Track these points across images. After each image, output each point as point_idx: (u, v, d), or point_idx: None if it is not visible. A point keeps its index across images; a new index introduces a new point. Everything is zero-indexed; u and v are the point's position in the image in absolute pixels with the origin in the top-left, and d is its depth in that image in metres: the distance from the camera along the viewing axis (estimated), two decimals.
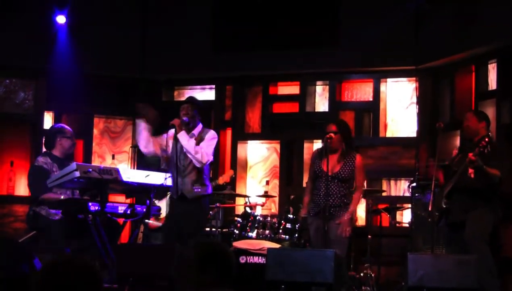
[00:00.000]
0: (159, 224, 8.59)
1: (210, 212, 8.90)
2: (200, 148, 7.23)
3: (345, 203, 7.29)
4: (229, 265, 3.81)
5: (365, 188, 9.21)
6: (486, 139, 6.96)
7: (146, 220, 8.35)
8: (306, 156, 10.22)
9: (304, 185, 9.65)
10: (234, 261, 3.87)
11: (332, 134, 7.30)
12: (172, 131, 7.44)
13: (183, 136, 7.25)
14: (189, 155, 7.22)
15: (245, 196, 9.77)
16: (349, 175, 7.33)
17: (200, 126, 7.45)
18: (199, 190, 7.28)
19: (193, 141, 7.24)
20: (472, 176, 7.14)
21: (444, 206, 7.28)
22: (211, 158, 7.33)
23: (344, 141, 7.38)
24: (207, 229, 8.94)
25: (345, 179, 7.33)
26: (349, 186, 7.42)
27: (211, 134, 7.43)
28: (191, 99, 7.65)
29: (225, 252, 3.84)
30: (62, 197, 7.77)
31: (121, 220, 8.28)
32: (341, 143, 7.37)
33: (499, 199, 7.26)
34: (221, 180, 9.12)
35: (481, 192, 7.12)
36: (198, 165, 7.24)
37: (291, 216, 8.65)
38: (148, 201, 7.93)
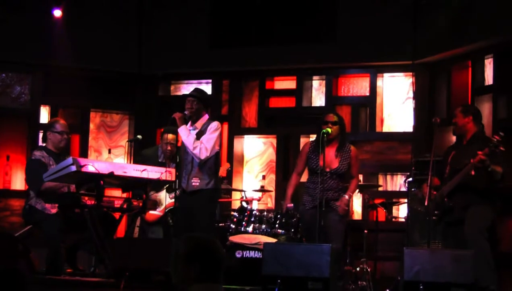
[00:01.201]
0: (157, 212, 8.54)
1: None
2: (199, 142, 7.16)
3: (341, 195, 7.42)
4: (215, 260, 3.79)
5: (361, 182, 9.24)
6: (496, 137, 6.92)
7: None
8: None
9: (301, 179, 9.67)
10: (222, 256, 3.83)
11: (330, 125, 7.39)
12: None
13: (183, 131, 7.20)
14: (187, 150, 7.18)
15: (240, 191, 9.76)
16: (347, 169, 7.46)
17: (205, 118, 7.37)
18: (197, 183, 7.23)
19: (192, 136, 7.17)
20: (473, 173, 7.11)
21: (445, 205, 7.26)
22: (209, 153, 7.22)
23: (340, 133, 7.49)
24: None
25: (344, 173, 7.45)
26: (345, 178, 7.54)
27: (213, 126, 7.30)
28: (196, 93, 7.51)
29: (210, 246, 3.81)
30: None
31: (117, 214, 8.28)
32: (338, 136, 7.47)
33: (497, 194, 7.26)
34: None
35: (481, 188, 7.11)
36: (197, 160, 7.19)
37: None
38: (144, 195, 7.94)
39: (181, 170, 7.41)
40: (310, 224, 7.37)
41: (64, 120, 8.42)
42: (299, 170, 7.77)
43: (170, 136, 8.45)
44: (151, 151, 8.92)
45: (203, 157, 7.15)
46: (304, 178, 7.90)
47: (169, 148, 8.57)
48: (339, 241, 7.29)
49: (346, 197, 7.48)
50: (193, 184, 7.23)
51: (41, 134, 8.57)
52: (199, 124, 7.31)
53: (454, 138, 9.15)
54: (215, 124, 7.32)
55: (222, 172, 9.17)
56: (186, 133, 7.18)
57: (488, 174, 7.02)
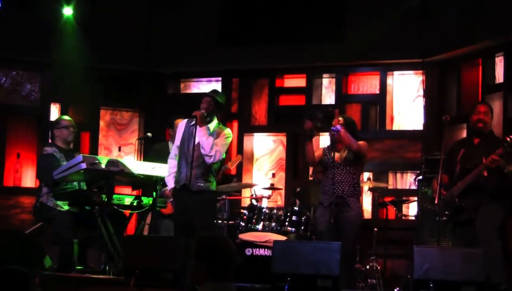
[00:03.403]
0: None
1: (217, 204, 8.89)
2: (216, 146, 7.19)
3: (356, 190, 7.38)
4: (224, 259, 3.79)
5: (371, 180, 9.23)
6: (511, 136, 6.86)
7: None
8: None
9: (310, 178, 9.66)
10: (232, 255, 3.83)
11: (339, 126, 7.40)
12: (183, 122, 7.48)
13: (203, 131, 7.20)
14: (202, 150, 7.17)
15: (250, 186, 9.70)
16: (356, 155, 7.42)
17: (214, 121, 7.40)
18: (202, 185, 7.22)
19: (211, 139, 7.19)
20: (485, 173, 7.06)
21: (456, 205, 7.20)
22: (220, 158, 7.30)
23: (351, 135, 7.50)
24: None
25: (352, 160, 7.40)
26: (358, 173, 7.50)
27: (227, 133, 7.36)
28: (214, 95, 7.53)
29: (219, 245, 3.81)
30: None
31: (127, 212, 8.30)
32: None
33: (508, 194, 7.22)
34: (230, 165, 9.12)
35: (494, 189, 7.08)
36: (207, 161, 7.20)
37: (297, 208, 8.65)
38: (154, 193, 7.95)
39: (181, 166, 7.37)
40: (324, 226, 7.36)
41: (69, 116, 8.46)
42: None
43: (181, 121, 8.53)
44: (162, 145, 8.97)
45: (216, 160, 7.22)
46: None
47: None
48: (353, 240, 7.31)
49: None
50: (199, 184, 7.20)
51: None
52: (211, 127, 7.32)
53: (464, 135, 9.15)
54: (228, 131, 7.39)
55: (235, 163, 9.18)
56: (206, 134, 7.19)
57: (500, 175, 6.98)
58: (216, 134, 7.30)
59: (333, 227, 7.23)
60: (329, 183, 7.37)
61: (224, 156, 7.44)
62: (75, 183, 7.93)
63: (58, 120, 8.37)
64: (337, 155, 7.43)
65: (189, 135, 7.32)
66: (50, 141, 8.31)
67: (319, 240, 7.42)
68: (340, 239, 7.02)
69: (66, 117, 8.42)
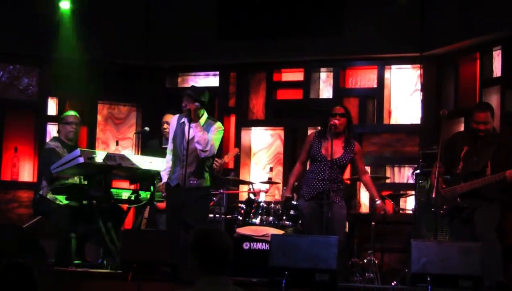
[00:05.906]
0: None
1: (214, 199, 8.89)
2: (210, 141, 7.17)
3: (340, 188, 7.36)
4: (215, 252, 3.79)
5: (369, 174, 9.24)
6: None
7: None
8: None
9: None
10: (225, 247, 3.83)
11: (338, 118, 7.33)
12: (175, 117, 7.46)
13: (198, 127, 7.18)
14: (197, 145, 7.13)
15: (249, 183, 9.72)
16: (348, 162, 7.43)
17: (205, 115, 7.38)
18: (195, 182, 7.18)
19: (206, 134, 7.17)
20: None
21: (458, 204, 7.17)
22: (214, 152, 7.31)
23: (347, 126, 7.43)
24: (211, 215, 8.92)
25: (344, 165, 7.43)
26: (343, 171, 7.54)
27: (218, 126, 7.34)
28: (191, 92, 7.40)
29: (212, 238, 3.82)
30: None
31: (125, 206, 8.30)
32: (345, 129, 7.41)
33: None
34: (227, 158, 9.10)
35: (497, 193, 7.06)
36: (201, 156, 7.17)
37: (294, 202, 8.64)
38: (152, 187, 7.96)
39: (175, 165, 7.35)
40: (310, 217, 7.35)
41: (75, 113, 8.46)
42: (303, 159, 7.71)
43: (170, 117, 8.53)
44: (156, 142, 8.99)
45: (210, 154, 7.21)
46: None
47: (164, 126, 8.65)
48: (342, 233, 7.29)
49: (378, 202, 7.49)
50: (191, 181, 7.16)
51: (53, 127, 8.63)
52: (202, 121, 7.29)
53: (461, 129, 9.15)
54: (219, 125, 7.35)
55: (231, 156, 9.18)
56: (201, 130, 7.17)
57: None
58: (207, 128, 7.28)
59: (319, 219, 7.22)
60: (313, 177, 7.36)
61: (215, 151, 7.43)
62: (76, 178, 7.95)
63: (63, 116, 8.46)
64: (328, 152, 7.31)
65: (180, 133, 7.30)
66: (57, 135, 8.37)
67: (307, 232, 7.41)
68: (329, 232, 7.01)
69: (71, 113, 8.44)
